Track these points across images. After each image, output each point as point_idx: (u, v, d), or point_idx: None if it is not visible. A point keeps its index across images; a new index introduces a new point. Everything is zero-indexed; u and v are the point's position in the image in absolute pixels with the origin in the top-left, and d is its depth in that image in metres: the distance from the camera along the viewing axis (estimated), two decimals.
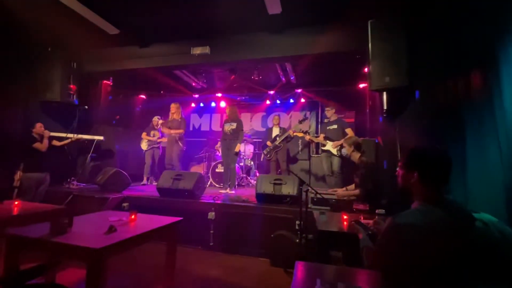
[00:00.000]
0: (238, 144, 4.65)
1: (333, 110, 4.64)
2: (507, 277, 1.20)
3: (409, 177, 1.19)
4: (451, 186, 2.22)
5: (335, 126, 4.49)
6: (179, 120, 5.17)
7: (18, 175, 3.33)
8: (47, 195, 3.96)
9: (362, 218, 2.09)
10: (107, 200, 3.71)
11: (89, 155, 4.72)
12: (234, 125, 4.72)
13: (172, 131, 5.05)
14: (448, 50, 2.51)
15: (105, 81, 5.74)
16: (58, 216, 1.80)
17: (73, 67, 4.82)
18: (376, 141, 4.29)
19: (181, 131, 5.07)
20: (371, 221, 1.67)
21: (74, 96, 4.79)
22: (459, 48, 2.33)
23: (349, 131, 4.34)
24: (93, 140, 4.69)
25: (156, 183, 4.31)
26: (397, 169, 1.30)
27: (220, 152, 5.27)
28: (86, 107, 4.81)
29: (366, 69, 3.62)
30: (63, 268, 2.48)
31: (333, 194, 3.21)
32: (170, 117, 5.24)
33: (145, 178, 5.54)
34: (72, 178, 4.55)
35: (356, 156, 3.13)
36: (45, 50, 4.63)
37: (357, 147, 3.15)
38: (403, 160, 1.26)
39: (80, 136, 4.55)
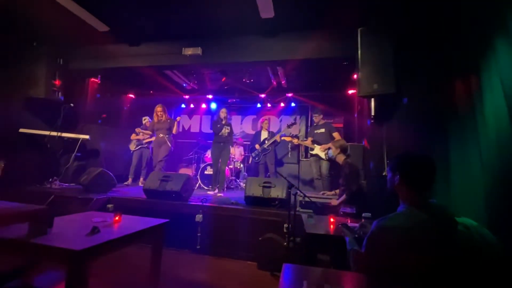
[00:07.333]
0: (232, 148, 4.70)
1: (321, 116, 4.69)
2: (487, 278, 1.24)
3: (394, 179, 1.24)
4: (435, 190, 2.29)
5: (322, 130, 4.54)
6: (168, 121, 5.19)
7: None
8: (26, 195, 3.79)
9: (349, 221, 2.11)
10: (91, 201, 3.59)
11: (73, 155, 4.56)
12: (228, 128, 4.79)
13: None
14: (433, 59, 2.60)
15: (92, 79, 5.60)
16: (38, 216, 1.73)
17: (59, 63, 4.67)
18: (363, 143, 4.36)
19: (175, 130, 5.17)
20: (357, 224, 1.69)
21: (59, 93, 4.65)
22: (444, 57, 2.42)
23: (336, 135, 4.39)
24: (78, 139, 4.55)
25: (143, 184, 4.21)
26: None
27: (210, 155, 5.23)
28: (72, 104, 4.66)
29: (355, 76, 3.68)
30: (42, 270, 2.38)
31: (322, 198, 3.24)
32: (156, 118, 5.19)
33: (130, 179, 5.42)
34: (55, 178, 4.38)
35: (341, 158, 3.30)
36: (30, 45, 4.48)
37: (344, 150, 3.33)
38: (389, 163, 1.31)
39: (64, 134, 4.40)
